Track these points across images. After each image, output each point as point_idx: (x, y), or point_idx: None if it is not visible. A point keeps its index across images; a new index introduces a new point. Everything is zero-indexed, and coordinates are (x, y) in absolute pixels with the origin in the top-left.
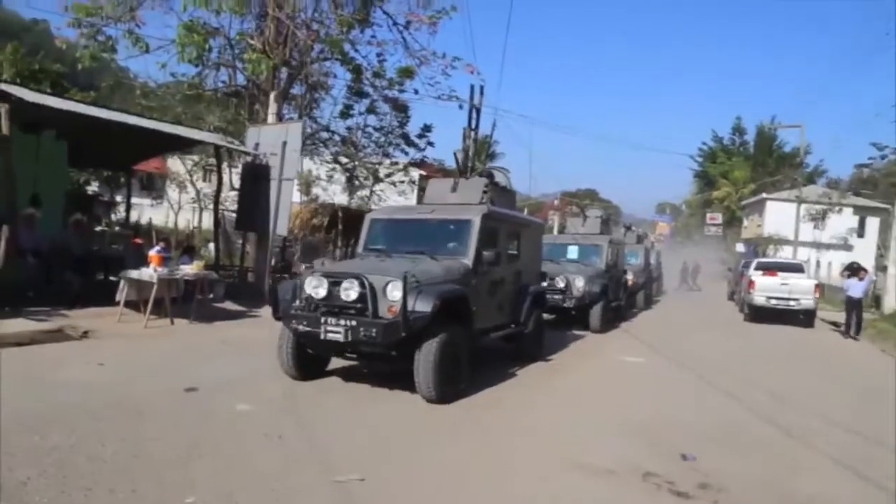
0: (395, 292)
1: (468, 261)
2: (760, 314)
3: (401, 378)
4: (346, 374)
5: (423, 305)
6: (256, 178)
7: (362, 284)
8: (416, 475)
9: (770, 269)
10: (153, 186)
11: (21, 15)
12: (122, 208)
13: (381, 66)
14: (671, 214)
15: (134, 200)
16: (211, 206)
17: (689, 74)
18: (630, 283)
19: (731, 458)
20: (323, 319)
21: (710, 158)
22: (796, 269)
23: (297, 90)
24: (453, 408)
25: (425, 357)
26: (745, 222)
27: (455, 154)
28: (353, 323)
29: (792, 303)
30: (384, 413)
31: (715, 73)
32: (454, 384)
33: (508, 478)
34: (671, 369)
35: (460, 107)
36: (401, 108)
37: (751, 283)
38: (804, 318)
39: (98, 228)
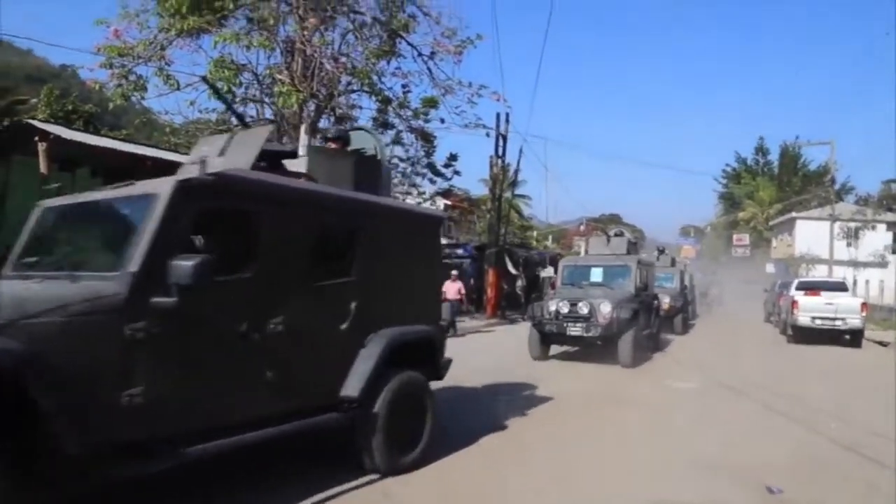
0: None
1: (122, 283)
2: (804, 335)
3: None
4: None
5: None
6: None
7: None
8: None
9: (812, 288)
10: None
11: (50, 62)
12: None
13: (405, 97)
14: (696, 237)
15: None
16: None
17: (710, 94)
18: (667, 307)
19: (818, 490)
20: None
21: (734, 179)
22: (840, 287)
23: (323, 123)
24: None
25: None
26: (774, 242)
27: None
28: None
29: (838, 322)
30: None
31: (737, 92)
32: None
33: None
34: (729, 398)
35: (487, 135)
36: (426, 138)
37: (794, 303)
38: (850, 338)
39: None
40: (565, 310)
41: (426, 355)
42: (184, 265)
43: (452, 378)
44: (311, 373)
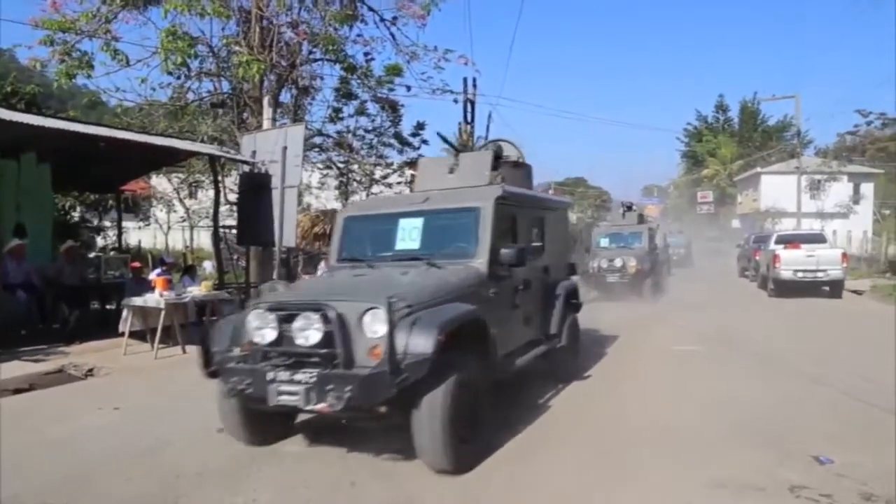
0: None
1: None
2: (785, 289)
3: None
4: None
5: None
6: (256, 189)
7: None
8: None
9: (792, 241)
10: (138, 208)
11: None
12: (110, 233)
13: (367, 66)
14: (659, 197)
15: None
16: (200, 224)
17: (670, 52)
18: (633, 270)
19: (865, 455)
20: None
21: (695, 138)
22: (818, 239)
23: (283, 97)
24: None
25: None
26: (740, 198)
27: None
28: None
29: (820, 274)
30: None
31: (696, 51)
32: None
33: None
34: (739, 361)
35: (455, 101)
36: (392, 107)
37: (776, 257)
38: (830, 289)
39: (92, 255)
40: (271, 336)
41: None
42: None
43: None
44: None
